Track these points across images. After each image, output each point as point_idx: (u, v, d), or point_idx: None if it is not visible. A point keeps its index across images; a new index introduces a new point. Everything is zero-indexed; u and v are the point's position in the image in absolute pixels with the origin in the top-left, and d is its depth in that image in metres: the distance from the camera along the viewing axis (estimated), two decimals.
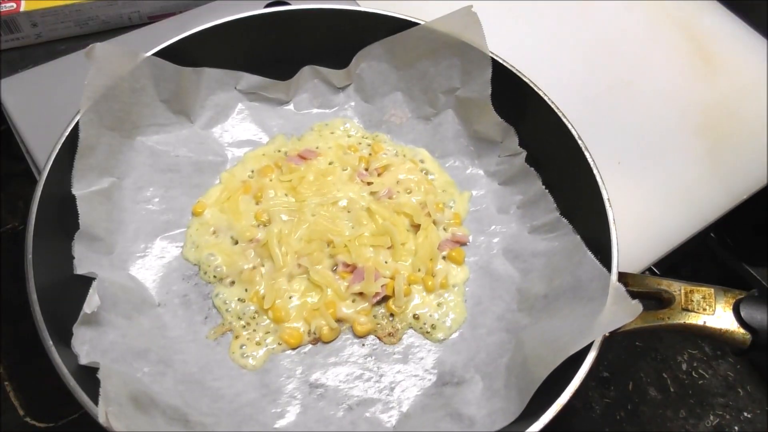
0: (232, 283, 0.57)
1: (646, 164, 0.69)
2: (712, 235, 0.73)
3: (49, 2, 0.74)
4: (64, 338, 0.45)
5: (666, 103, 0.74)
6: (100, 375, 0.42)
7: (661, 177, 0.68)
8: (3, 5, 0.73)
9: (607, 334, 0.46)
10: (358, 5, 0.66)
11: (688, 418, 0.65)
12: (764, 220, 0.70)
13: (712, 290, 0.47)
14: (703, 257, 0.75)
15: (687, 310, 0.46)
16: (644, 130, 0.71)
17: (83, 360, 0.45)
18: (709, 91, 0.75)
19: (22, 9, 0.74)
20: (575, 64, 0.76)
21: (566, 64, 0.76)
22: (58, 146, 0.51)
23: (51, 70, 0.67)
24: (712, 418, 0.65)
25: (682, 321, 0.46)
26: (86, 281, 0.50)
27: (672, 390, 0.66)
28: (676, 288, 0.47)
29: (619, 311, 0.46)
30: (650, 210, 0.66)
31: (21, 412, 0.42)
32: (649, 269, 0.67)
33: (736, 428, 0.65)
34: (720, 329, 0.45)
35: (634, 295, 0.46)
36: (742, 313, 0.45)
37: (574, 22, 0.79)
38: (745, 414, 0.65)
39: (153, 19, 0.80)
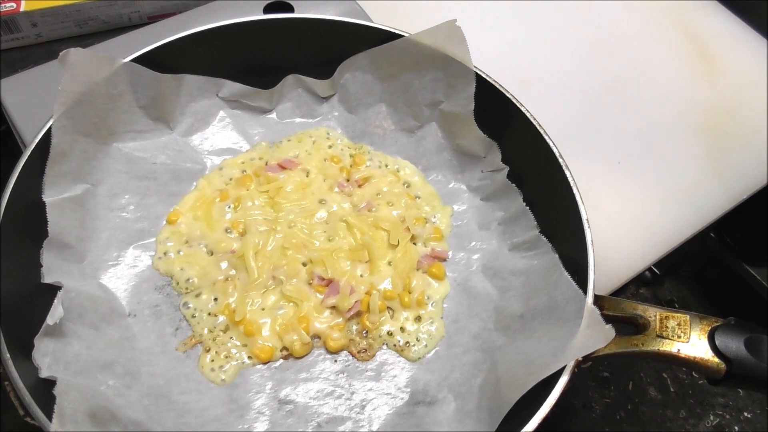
0: (202, 294, 0.56)
1: (646, 164, 0.69)
2: (712, 235, 0.73)
3: (49, 2, 0.74)
4: (26, 350, 0.44)
5: (666, 103, 0.73)
6: (56, 391, 0.41)
7: (661, 177, 0.68)
8: (3, 5, 0.73)
9: (580, 359, 0.45)
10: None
11: (688, 418, 0.65)
12: (764, 220, 0.70)
13: (688, 317, 0.46)
14: (703, 257, 0.75)
15: (661, 336, 0.45)
16: (644, 130, 0.71)
17: (44, 373, 0.44)
18: (709, 91, 0.74)
19: (22, 9, 0.73)
20: (575, 64, 0.75)
21: (566, 63, 0.75)
22: (28, 153, 0.50)
23: (51, 70, 0.66)
24: (712, 418, 0.65)
25: (656, 348, 0.45)
26: (54, 291, 0.49)
27: (672, 390, 0.66)
28: (652, 313, 0.46)
29: (593, 335, 0.45)
30: (650, 210, 0.66)
31: (21, 412, 0.42)
32: (650, 269, 0.66)
33: (736, 428, 0.64)
34: (694, 357, 0.45)
35: (608, 319, 0.45)
36: (717, 342, 0.44)
37: (574, 22, 0.79)
38: (745, 414, 0.65)
39: (153, 19, 0.79)
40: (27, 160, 0.51)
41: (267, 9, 0.73)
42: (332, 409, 0.52)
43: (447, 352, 0.55)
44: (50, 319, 0.45)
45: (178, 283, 0.56)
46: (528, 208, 0.58)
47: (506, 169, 0.61)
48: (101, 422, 0.43)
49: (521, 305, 0.54)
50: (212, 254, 0.57)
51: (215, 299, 0.55)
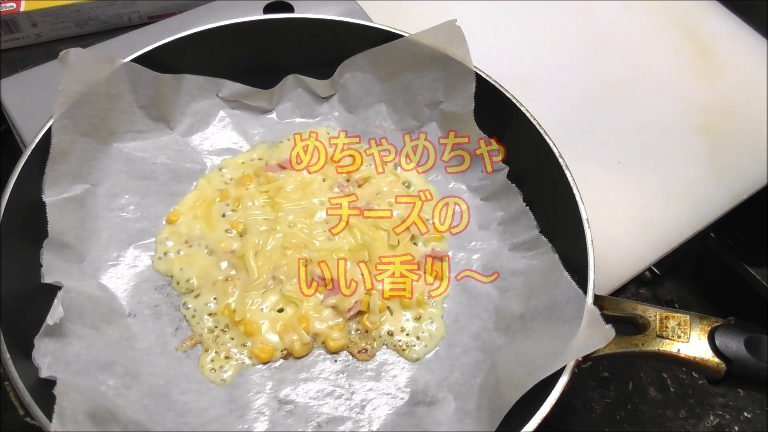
0: (202, 294, 0.56)
1: (646, 164, 0.69)
2: (712, 235, 0.73)
3: (49, 2, 0.74)
4: (26, 350, 0.44)
5: (666, 103, 0.73)
6: (56, 391, 0.41)
7: (661, 177, 0.68)
8: (3, 5, 0.73)
9: (580, 359, 0.45)
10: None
11: (688, 418, 0.65)
12: (764, 220, 0.70)
13: (688, 317, 0.46)
14: (703, 257, 0.75)
15: (661, 336, 0.45)
16: (644, 130, 0.71)
17: (44, 373, 0.44)
18: (709, 91, 0.74)
19: (22, 9, 0.73)
20: (575, 64, 0.75)
21: (567, 63, 0.75)
22: (28, 153, 0.50)
23: (51, 70, 0.66)
24: (712, 418, 0.65)
25: (656, 348, 0.45)
26: (54, 291, 0.49)
27: (672, 390, 0.66)
28: (652, 313, 0.46)
29: (593, 335, 0.45)
30: (650, 210, 0.66)
31: (21, 412, 0.42)
32: (650, 269, 0.66)
33: (736, 428, 0.64)
34: (694, 357, 0.45)
35: (608, 319, 0.45)
36: (717, 342, 0.44)
37: (574, 22, 0.79)
38: (745, 414, 0.65)
39: (153, 19, 0.79)
40: (27, 160, 0.51)
41: (267, 9, 0.72)
42: (332, 409, 0.52)
43: (447, 352, 0.55)
44: (50, 319, 0.45)
45: (178, 283, 0.56)
46: (528, 208, 0.58)
47: (506, 169, 0.61)
48: (101, 422, 0.43)
49: (521, 305, 0.54)
50: (212, 254, 0.57)
51: (215, 299, 0.55)
